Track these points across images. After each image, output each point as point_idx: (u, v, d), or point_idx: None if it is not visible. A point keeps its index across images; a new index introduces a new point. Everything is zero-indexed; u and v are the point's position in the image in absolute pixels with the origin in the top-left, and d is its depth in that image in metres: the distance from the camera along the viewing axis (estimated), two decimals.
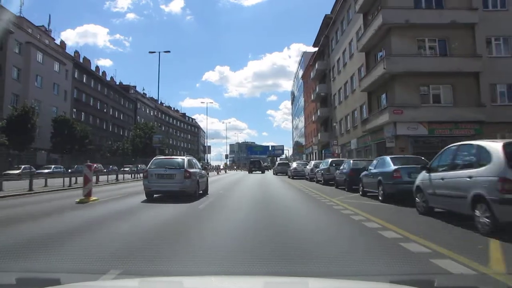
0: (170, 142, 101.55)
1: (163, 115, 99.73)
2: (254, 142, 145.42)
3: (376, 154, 25.32)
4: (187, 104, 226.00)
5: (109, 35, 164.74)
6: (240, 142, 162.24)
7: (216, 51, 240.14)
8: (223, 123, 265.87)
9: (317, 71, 44.76)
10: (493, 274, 3.86)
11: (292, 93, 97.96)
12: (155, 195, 12.16)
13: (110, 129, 67.00)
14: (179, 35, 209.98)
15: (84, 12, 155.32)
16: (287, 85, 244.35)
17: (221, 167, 79.09)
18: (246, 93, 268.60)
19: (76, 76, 53.87)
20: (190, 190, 11.90)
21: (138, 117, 77.57)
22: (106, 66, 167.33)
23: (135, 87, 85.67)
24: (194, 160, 14.32)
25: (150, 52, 36.62)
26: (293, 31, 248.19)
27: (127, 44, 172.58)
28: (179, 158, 13.60)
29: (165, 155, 30.64)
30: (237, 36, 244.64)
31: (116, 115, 69.83)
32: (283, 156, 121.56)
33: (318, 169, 22.73)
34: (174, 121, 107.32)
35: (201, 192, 13.22)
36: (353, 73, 31.60)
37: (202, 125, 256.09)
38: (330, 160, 21.77)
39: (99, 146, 57.20)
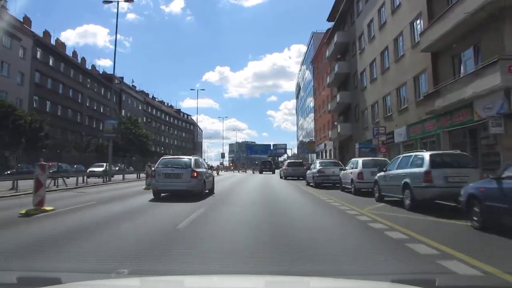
0: (162, 139, 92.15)
1: (154, 110, 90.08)
2: (254, 142, 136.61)
3: (448, 147, 16.08)
4: (187, 105, 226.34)
5: (110, 35, 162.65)
6: (240, 141, 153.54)
7: (216, 52, 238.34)
8: (223, 121, 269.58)
9: (337, 45, 35.01)
10: (497, 273, 3.83)
11: (298, 87, 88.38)
12: (162, 194, 12.30)
13: (87, 123, 57.39)
14: (179, 35, 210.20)
15: (84, 12, 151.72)
16: (287, 86, 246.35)
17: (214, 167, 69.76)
18: (246, 94, 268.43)
19: (38, 57, 44.19)
20: (197, 189, 12.12)
21: (123, 110, 67.74)
22: (106, 66, 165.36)
23: (122, 78, 76.15)
24: (201, 160, 15.35)
25: (104, 1, 26.96)
26: (293, 32, 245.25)
27: (127, 44, 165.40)
28: (186, 158, 13.63)
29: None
30: (237, 37, 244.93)
31: (95, 107, 60.18)
32: (285, 156, 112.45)
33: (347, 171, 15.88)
34: (167, 117, 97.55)
35: (207, 191, 13.35)
36: (399, 31, 21.89)
37: (202, 125, 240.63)
38: (361, 160, 15.26)
39: (68, 142, 47.64)
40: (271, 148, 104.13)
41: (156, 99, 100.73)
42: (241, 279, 2.57)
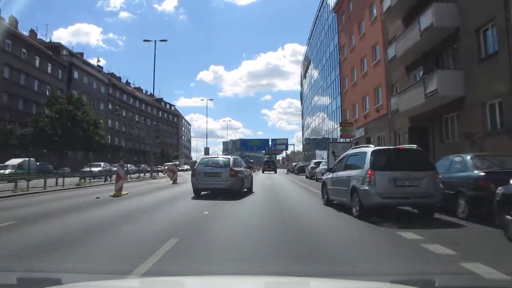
0: (138, 133, 74.48)
1: (125, 96, 72.24)
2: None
3: None
4: (182, 103, 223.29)
5: (103, 34, 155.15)
6: (234, 139, 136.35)
7: (210, 51, 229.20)
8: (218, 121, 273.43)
9: None
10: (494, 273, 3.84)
11: (305, 65, 70.91)
12: (202, 192, 12.97)
13: (21, 107, 39.94)
14: (173, 34, 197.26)
15: (76, 11, 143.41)
16: (282, 85, 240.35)
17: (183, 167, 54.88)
18: (240, 93, 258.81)
19: None
20: (236, 188, 12.58)
21: (74, 91, 49.24)
22: (99, 64, 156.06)
23: (77, 53, 58.45)
24: (239, 159, 15.77)
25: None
26: (287, 31, 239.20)
27: (121, 43, 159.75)
28: (225, 157, 15.52)
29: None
30: (231, 36, 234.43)
31: (24, 83, 42.41)
32: (283, 154, 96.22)
33: None
34: (142, 105, 79.66)
35: (245, 190, 13.78)
36: None
37: (197, 124, 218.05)
38: None
39: None
40: (269, 144, 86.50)
41: (132, 85, 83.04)
42: (240, 280, 2.60)
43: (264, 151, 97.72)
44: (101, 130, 42.35)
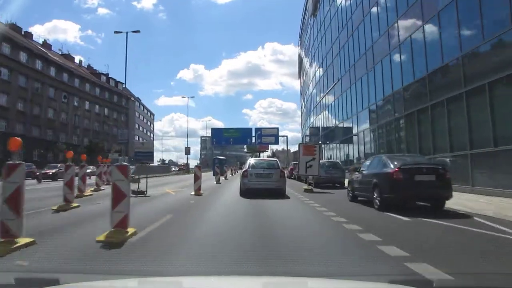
0: (63, 117, 50.08)
1: (24, 54, 47.18)
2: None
3: None
4: (162, 102, 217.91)
5: (81, 31, 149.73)
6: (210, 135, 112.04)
7: (190, 49, 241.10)
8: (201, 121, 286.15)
9: None
10: (493, 274, 3.94)
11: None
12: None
13: None
14: (152, 32, 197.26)
15: (53, 7, 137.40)
16: (263, 84, 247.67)
17: None
18: (221, 92, 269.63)
19: None
20: (283, 188, 13.80)
21: None
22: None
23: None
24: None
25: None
26: (267, 30, 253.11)
27: (99, 41, 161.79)
28: (272, 160, 17.04)
29: None
30: (211, 34, 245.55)
31: None
32: (268, 151, 75.97)
33: None
34: (65, 76, 54.86)
35: None
36: None
37: (177, 123, 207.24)
38: None
39: None
40: (253, 134, 61.80)
41: (60, 51, 58.13)
42: (238, 280, 2.57)
43: (246, 145, 74.53)
44: None
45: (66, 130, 54.63)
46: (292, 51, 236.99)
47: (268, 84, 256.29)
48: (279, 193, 13.24)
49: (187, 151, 58.18)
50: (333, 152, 37.75)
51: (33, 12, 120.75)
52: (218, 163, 31.12)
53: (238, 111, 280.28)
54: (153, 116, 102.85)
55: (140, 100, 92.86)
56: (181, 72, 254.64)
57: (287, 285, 2.36)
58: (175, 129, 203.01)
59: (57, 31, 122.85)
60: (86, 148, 51.61)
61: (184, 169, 62.74)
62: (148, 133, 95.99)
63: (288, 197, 12.93)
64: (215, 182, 22.54)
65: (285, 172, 18.38)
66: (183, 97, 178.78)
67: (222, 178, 27.58)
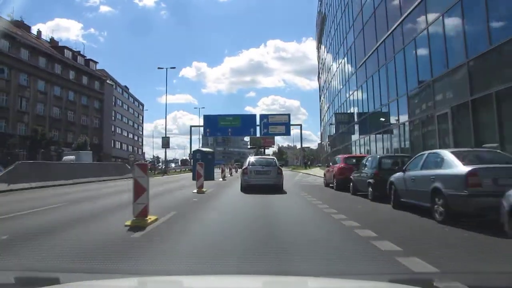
0: (20, 104, 36.72)
1: None
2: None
3: None
4: (164, 100, 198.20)
5: (83, 30, 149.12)
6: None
7: (193, 47, 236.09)
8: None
9: None
10: (495, 273, 3.90)
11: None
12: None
13: None
14: (154, 30, 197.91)
15: (55, 6, 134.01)
16: (266, 82, 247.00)
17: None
18: (224, 89, 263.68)
19: None
20: (280, 183, 14.66)
21: None
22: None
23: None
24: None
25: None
26: (269, 28, 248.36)
27: (102, 39, 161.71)
28: (270, 158, 18.12)
29: None
30: (212, 32, 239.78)
31: None
32: (274, 147, 67.92)
33: None
34: (21, 51, 40.97)
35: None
36: None
37: (181, 121, 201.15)
38: None
39: None
40: (258, 123, 47.97)
41: (13, 18, 44.56)
42: (239, 279, 2.56)
43: (249, 136, 62.91)
44: None
45: (7, 115, 40.75)
46: (295, 48, 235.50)
47: (271, 81, 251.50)
48: (277, 189, 14.10)
49: (165, 143, 43.83)
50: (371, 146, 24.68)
51: (35, 10, 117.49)
52: (201, 159, 21.43)
53: (241, 108, 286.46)
54: (142, 106, 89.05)
55: (128, 89, 79.23)
56: (184, 70, 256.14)
57: (287, 285, 2.33)
58: (178, 126, 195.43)
59: (60, 30, 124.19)
60: (28, 139, 38.24)
61: (159, 168, 48.98)
62: (136, 125, 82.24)
63: (285, 192, 13.85)
64: (193, 196, 12.97)
65: (332, 171, 16.63)
66: (179, 95, 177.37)
67: (214, 182, 20.93)
